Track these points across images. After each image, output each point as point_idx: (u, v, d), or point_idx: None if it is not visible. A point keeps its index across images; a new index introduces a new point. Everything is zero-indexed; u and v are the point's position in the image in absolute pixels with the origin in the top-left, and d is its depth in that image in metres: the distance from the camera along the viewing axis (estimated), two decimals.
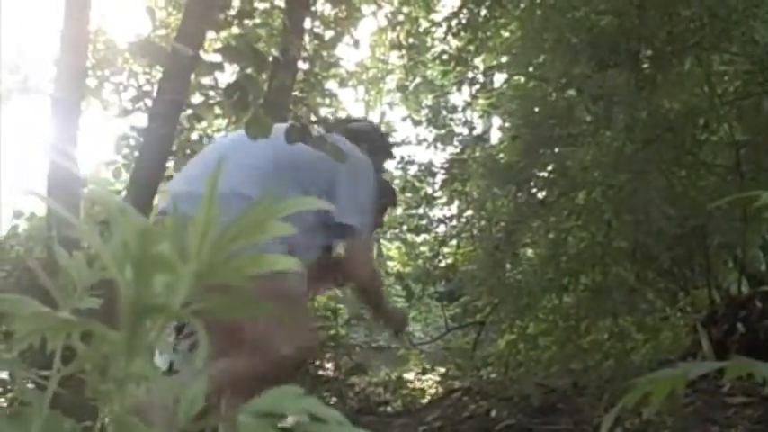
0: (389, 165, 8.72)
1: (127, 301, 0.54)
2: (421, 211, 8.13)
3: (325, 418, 0.60)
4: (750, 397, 3.22)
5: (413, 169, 8.15)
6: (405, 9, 8.53)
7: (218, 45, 5.60)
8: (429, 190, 7.96)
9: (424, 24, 8.40)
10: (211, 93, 6.64)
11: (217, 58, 4.74)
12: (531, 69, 4.11)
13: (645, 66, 3.37)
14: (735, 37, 3.10)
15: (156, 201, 3.68)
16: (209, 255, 0.55)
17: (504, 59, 6.74)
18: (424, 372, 6.44)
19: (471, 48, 7.06)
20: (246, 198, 2.72)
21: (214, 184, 0.61)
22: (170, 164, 6.33)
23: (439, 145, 7.99)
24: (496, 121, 8.30)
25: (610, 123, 3.20)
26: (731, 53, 3.29)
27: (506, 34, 6.65)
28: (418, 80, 8.65)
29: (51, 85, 5.69)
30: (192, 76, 5.18)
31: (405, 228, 8.79)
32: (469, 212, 6.54)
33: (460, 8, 6.79)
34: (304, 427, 0.58)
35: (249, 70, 4.27)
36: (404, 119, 8.86)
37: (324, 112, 7.44)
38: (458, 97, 8.31)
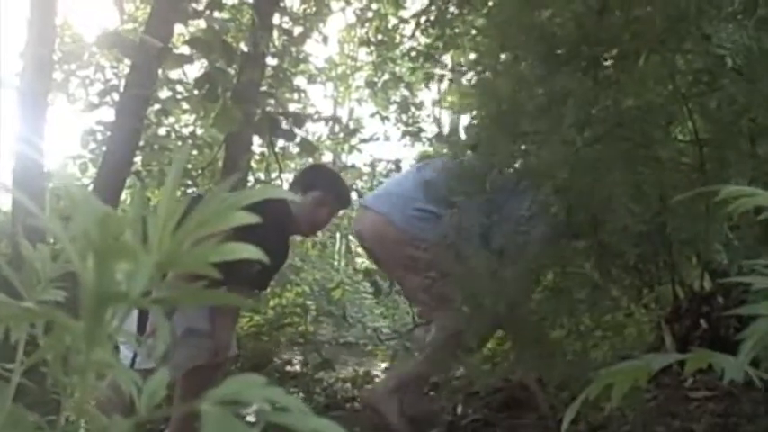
0: (358, 160, 8.75)
1: (87, 289, 0.54)
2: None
3: (288, 408, 0.60)
4: (712, 391, 3.26)
5: (381, 166, 8.18)
6: (373, 6, 8.53)
7: (187, 39, 5.59)
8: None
9: (393, 21, 8.41)
10: (179, 88, 6.62)
11: (186, 50, 4.72)
12: (498, 68, 4.13)
13: (607, 65, 3.40)
14: (693, 36, 3.14)
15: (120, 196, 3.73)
16: (170, 244, 0.55)
17: (471, 57, 6.78)
18: (391, 368, 6.45)
19: (440, 45, 7.09)
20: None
21: (176, 179, 0.62)
22: (137, 158, 6.30)
23: (407, 141, 8.01)
24: (464, 117, 8.33)
25: (573, 121, 3.22)
26: (689, 51, 3.32)
27: (474, 32, 6.68)
28: (387, 76, 8.65)
29: (17, 77, 5.63)
30: (160, 72, 5.15)
31: None
32: None
33: (429, 5, 6.81)
34: (267, 415, 0.59)
35: (219, 63, 4.25)
36: (372, 115, 8.88)
37: (292, 107, 7.42)
38: (426, 94, 8.34)
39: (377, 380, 5.89)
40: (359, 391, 5.46)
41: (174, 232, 0.56)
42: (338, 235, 9.93)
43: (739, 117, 2.98)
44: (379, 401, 3.80)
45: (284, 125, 5.98)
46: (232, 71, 5.45)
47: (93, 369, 0.57)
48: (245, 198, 0.59)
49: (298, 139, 6.28)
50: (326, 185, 3.84)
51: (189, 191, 6.41)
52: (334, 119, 8.66)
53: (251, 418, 0.72)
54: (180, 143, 7.55)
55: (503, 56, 3.96)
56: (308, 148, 6.55)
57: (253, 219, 0.59)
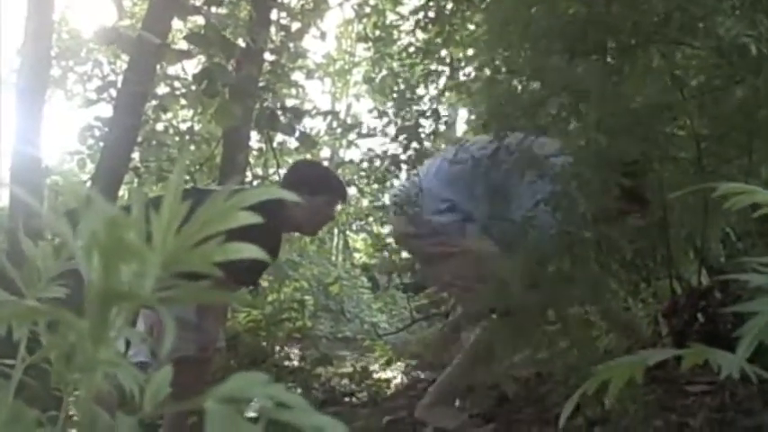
0: (354, 155, 8.74)
1: (93, 288, 0.54)
2: (387, 202, 8.16)
3: (291, 405, 0.61)
4: (709, 386, 3.26)
5: (379, 161, 8.18)
6: (371, 1, 8.52)
7: (186, 34, 5.59)
8: (395, 182, 7.99)
9: (391, 17, 8.40)
10: (177, 83, 6.62)
11: (185, 46, 4.72)
12: (497, 62, 4.12)
13: (611, 57, 3.39)
14: (698, 31, 3.13)
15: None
16: (175, 244, 0.56)
17: (470, 52, 6.78)
18: (389, 363, 6.47)
19: (438, 40, 7.08)
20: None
21: (179, 181, 0.62)
22: (135, 154, 6.30)
23: (405, 137, 7.99)
24: (462, 113, 8.34)
25: (576, 115, 3.22)
26: (694, 47, 3.32)
27: (472, 27, 6.68)
28: (385, 72, 8.64)
29: (15, 74, 5.63)
30: (158, 68, 5.15)
31: (371, 219, 8.82)
32: None
33: (427, 1, 6.81)
34: (269, 413, 0.59)
35: (217, 58, 4.24)
36: (370, 111, 8.86)
37: (290, 103, 7.41)
38: (424, 90, 8.33)
39: (375, 375, 5.91)
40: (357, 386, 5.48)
41: (178, 232, 0.56)
42: (336, 230, 9.95)
43: (738, 112, 2.98)
44: (426, 417, 3.87)
45: (283, 120, 5.98)
46: (230, 66, 5.46)
47: (99, 368, 0.58)
48: (247, 198, 0.60)
49: (297, 134, 6.28)
50: (334, 190, 3.87)
51: (186, 187, 6.38)
52: (332, 113, 8.65)
53: (250, 414, 0.72)
54: (178, 139, 7.55)
55: (502, 50, 3.96)
56: (307, 142, 6.55)
57: (255, 219, 0.60)
